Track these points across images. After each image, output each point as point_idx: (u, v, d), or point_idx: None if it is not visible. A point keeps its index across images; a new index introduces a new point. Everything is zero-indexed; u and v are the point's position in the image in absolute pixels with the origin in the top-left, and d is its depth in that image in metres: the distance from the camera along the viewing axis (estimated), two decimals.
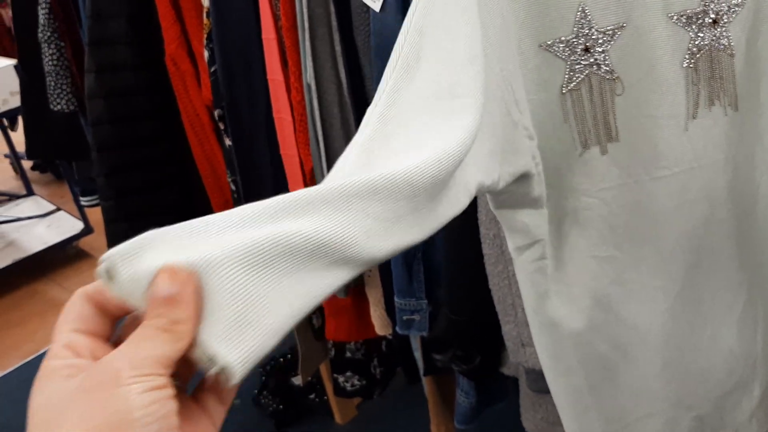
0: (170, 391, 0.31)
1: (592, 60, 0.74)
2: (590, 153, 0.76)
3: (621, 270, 0.80)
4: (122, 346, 0.31)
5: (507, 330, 0.98)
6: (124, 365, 0.30)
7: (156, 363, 0.30)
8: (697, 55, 0.75)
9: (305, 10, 1.10)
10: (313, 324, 1.75)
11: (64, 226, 3.09)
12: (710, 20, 0.74)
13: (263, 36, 1.34)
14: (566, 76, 0.74)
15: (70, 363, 0.31)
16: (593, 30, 0.72)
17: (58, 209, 3.28)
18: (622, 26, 0.73)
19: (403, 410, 2.02)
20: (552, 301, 0.81)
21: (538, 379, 1.05)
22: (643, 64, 0.75)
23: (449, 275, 1.00)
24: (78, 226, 3.07)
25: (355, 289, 1.49)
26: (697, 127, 0.77)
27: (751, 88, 0.79)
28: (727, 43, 0.75)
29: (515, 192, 0.74)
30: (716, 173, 0.80)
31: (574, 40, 0.72)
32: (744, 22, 0.75)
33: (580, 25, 0.72)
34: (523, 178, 0.73)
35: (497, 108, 0.67)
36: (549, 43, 0.72)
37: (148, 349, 0.30)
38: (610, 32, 0.73)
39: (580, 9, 0.71)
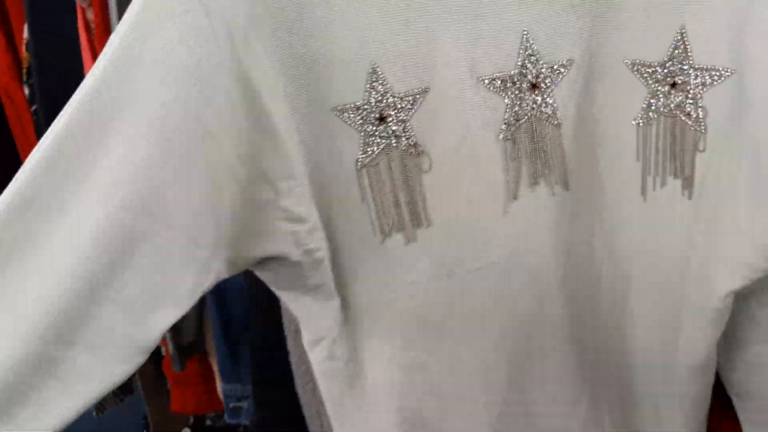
0: None
1: (390, 131, 0.60)
2: (393, 241, 0.63)
3: (434, 379, 0.66)
4: None
5: None
6: None
7: None
8: (516, 126, 0.63)
9: None
10: (168, 390, 1.57)
11: None
12: (528, 85, 0.62)
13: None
14: (361, 149, 0.60)
15: None
16: (389, 95, 0.59)
17: None
18: (425, 91, 0.60)
19: None
20: (352, 415, 0.66)
21: None
22: (453, 136, 0.62)
23: (252, 366, 0.85)
24: None
25: (199, 358, 1.32)
26: (519, 209, 0.65)
27: (585, 161, 0.67)
28: (551, 111, 0.63)
29: (280, 272, 0.60)
30: (544, 263, 0.67)
31: (367, 107, 0.59)
32: (572, 84, 0.63)
33: (372, 90, 0.58)
34: (283, 261, 0.59)
35: (225, 189, 0.54)
36: (339, 108, 0.58)
37: None
38: (410, 98, 0.60)
39: (371, 69, 0.57)
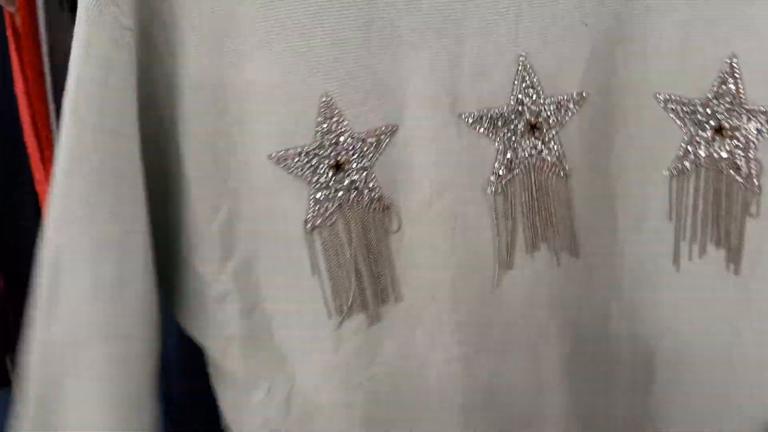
0: None
1: (348, 182, 0.47)
2: (352, 325, 0.49)
3: None
4: None
5: None
6: None
7: None
8: (509, 177, 0.49)
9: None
10: None
11: None
12: (526, 125, 0.48)
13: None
14: (310, 207, 0.47)
15: None
16: (346, 136, 0.46)
17: None
18: (393, 130, 0.46)
19: None
20: None
21: None
22: (428, 188, 0.49)
23: None
24: None
25: None
26: (514, 282, 0.51)
27: (600, 221, 0.53)
28: (556, 159, 0.49)
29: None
30: (544, 345, 0.53)
31: (318, 152, 0.45)
32: (584, 125, 0.49)
33: (325, 129, 0.45)
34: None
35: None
36: (279, 155, 0.45)
37: None
38: (374, 140, 0.46)
39: (323, 102, 0.44)
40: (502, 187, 0.49)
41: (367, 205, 0.48)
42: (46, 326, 0.44)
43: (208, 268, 0.49)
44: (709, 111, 0.48)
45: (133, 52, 0.42)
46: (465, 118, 0.47)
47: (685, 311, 0.55)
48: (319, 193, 0.47)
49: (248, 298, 0.50)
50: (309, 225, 0.47)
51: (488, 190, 0.49)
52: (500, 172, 0.49)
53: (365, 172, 0.47)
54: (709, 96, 0.48)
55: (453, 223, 0.49)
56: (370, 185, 0.48)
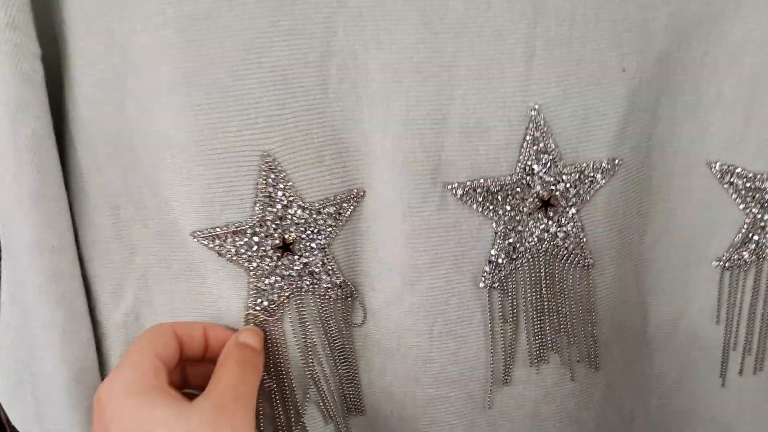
0: None
1: (299, 266, 0.35)
2: None
3: None
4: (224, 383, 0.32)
5: None
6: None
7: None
8: (510, 267, 0.36)
9: None
10: None
11: None
12: (536, 200, 0.35)
13: None
14: (251, 299, 0.35)
15: (160, 386, 0.32)
16: (296, 208, 0.34)
17: None
18: (358, 197, 0.34)
19: None
20: None
21: None
22: (399, 276, 0.36)
23: None
24: None
25: None
26: (513, 401, 0.39)
27: (628, 323, 0.40)
28: (574, 245, 0.37)
29: None
30: None
31: (257, 230, 0.34)
32: (615, 199, 0.36)
33: (267, 199, 0.33)
34: None
35: None
36: (209, 233, 0.34)
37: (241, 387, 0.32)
38: (333, 211, 0.34)
39: (265, 164, 0.32)
40: (500, 280, 0.36)
41: (324, 292, 0.36)
42: None
43: (108, 372, 0.38)
44: None
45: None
46: (452, 189, 0.34)
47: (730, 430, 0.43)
48: (262, 282, 0.35)
49: None
50: (250, 322, 0.35)
51: (480, 284, 0.36)
52: (498, 261, 0.36)
53: (322, 253, 0.35)
54: None
55: (430, 324, 0.37)
56: (329, 268, 0.35)
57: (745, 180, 0.36)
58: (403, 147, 0.33)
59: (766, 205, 0.37)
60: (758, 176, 0.36)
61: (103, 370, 0.39)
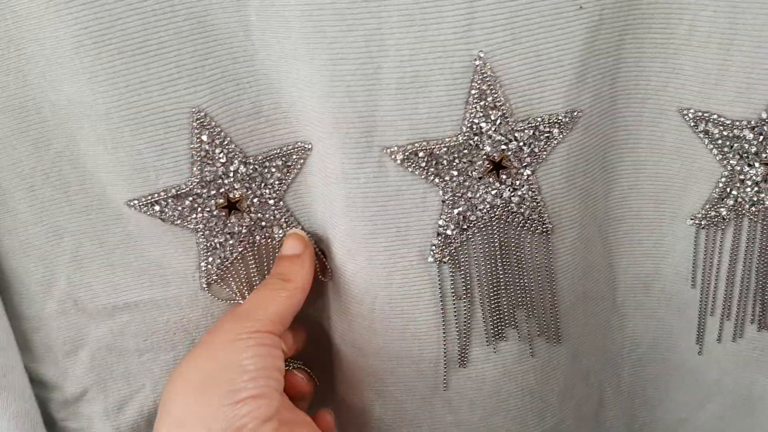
0: (278, 350, 0.32)
1: (248, 222, 0.33)
2: None
3: None
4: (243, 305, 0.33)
5: None
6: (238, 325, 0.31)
7: (267, 321, 0.32)
8: (460, 238, 0.32)
9: None
10: None
11: None
12: (485, 161, 0.31)
13: None
14: (202, 260, 0.34)
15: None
16: (238, 163, 0.31)
17: None
18: (305, 150, 0.32)
19: None
20: None
21: None
22: (342, 250, 0.32)
23: None
24: None
25: None
26: (469, 381, 0.35)
27: (593, 289, 0.37)
28: (530, 210, 0.33)
29: None
30: None
31: (198, 190, 0.32)
32: (573, 156, 0.32)
33: (204, 157, 0.31)
34: None
35: None
36: (147, 200, 0.32)
37: (262, 309, 0.32)
38: (280, 163, 0.32)
39: (196, 121, 0.30)
40: (450, 253, 0.32)
41: (278, 247, 0.32)
42: None
43: (48, 367, 0.36)
44: (762, 139, 0.32)
45: None
46: (391, 153, 0.30)
47: (708, 403, 0.40)
48: (211, 241, 0.32)
49: (115, 391, 0.37)
50: (203, 281, 0.34)
51: (429, 258, 0.32)
52: (447, 232, 0.32)
53: (273, 207, 0.32)
54: (765, 117, 0.31)
55: (372, 297, 0.33)
56: (283, 221, 0.32)
57: (722, 128, 0.32)
58: (331, 106, 0.29)
59: (745, 156, 0.33)
60: (736, 124, 0.32)
61: (37, 367, 0.36)
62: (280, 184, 0.33)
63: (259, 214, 0.33)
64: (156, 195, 0.31)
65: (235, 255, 0.34)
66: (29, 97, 0.30)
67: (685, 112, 0.33)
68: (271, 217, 0.33)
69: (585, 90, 0.31)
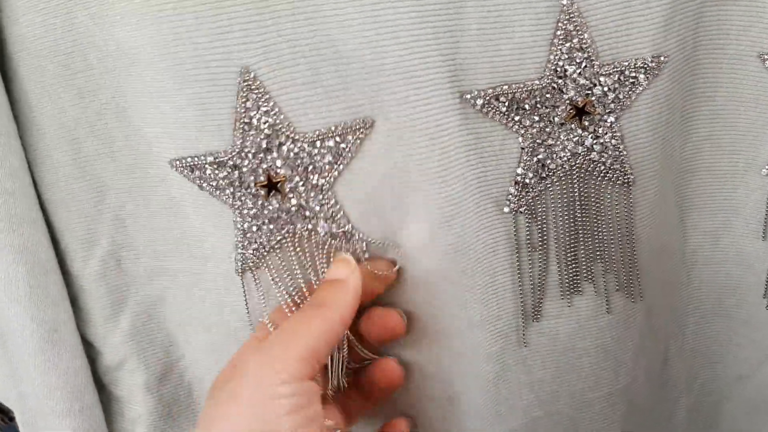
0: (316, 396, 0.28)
1: (289, 207, 0.31)
2: None
3: None
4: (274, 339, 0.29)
5: None
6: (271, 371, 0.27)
7: (298, 362, 0.28)
8: (539, 187, 0.31)
9: None
10: None
11: None
12: (568, 107, 0.30)
13: None
14: (238, 240, 0.32)
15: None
16: (286, 138, 0.29)
17: None
18: (365, 128, 0.29)
19: None
20: None
21: None
22: (429, 217, 0.31)
23: None
24: None
25: None
26: (542, 338, 0.35)
27: (668, 243, 0.36)
28: (613, 159, 0.32)
29: None
30: (585, 419, 0.37)
31: (238, 161, 0.30)
32: (658, 105, 0.31)
33: (247, 127, 0.28)
34: None
35: None
36: (187, 162, 0.30)
37: (293, 345, 0.28)
38: (333, 145, 0.30)
39: (244, 83, 0.28)
40: (527, 203, 0.32)
41: (324, 243, 0.31)
42: None
43: (90, 329, 0.34)
44: None
45: None
46: (471, 99, 0.29)
47: None
48: (248, 223, 0.30)
49: (156, 361, 0.36)
50: (239, 265, 0.31)
51: (506, 209, 0.32)
52: (526, 180, 0.31)
53: (320, 194, 0.30)
54: None
55: (463, 264, 0.32)
56: (330, 214, 0.30)
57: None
58: (416, 54, 0.28)
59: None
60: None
61: (83, 328, 0.35)
62: (331, 168, 0.29)
63: (302, 201, 0.30)
64: (196, 158, 0.29)
65: (272, 243, 0.31)
66: (75, 41, 0.28)
67: (765, 57, 0.32)
68: (316, 207, 0.30)
69: (671, 34, 0.30)
